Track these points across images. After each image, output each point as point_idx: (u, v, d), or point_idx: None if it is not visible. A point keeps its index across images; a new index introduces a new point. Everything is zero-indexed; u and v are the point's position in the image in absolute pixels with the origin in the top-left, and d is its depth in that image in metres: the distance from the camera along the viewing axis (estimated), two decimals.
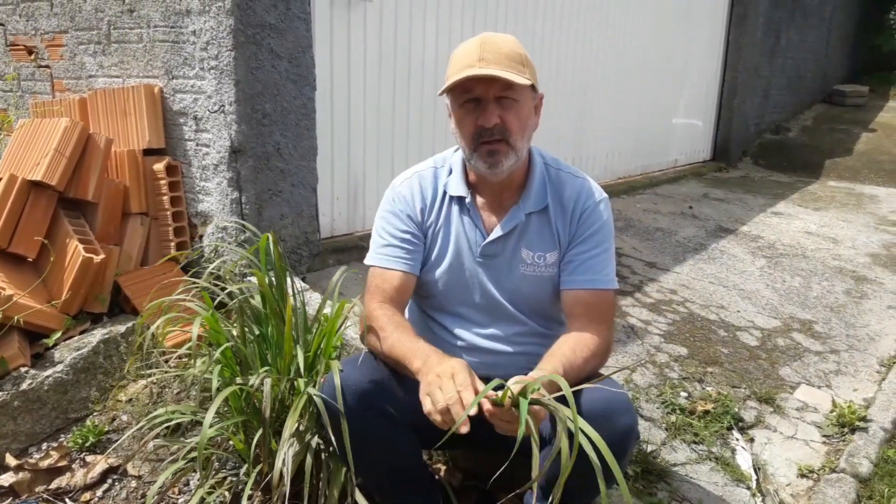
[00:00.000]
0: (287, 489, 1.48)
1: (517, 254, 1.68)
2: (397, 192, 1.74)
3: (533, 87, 1.59)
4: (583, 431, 1.18)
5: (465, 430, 1.25)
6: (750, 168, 7.19)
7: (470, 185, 1.71)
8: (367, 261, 1.72)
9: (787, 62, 8.11)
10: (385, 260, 1.69)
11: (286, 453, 1.52)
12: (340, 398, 1.47)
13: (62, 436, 2.20)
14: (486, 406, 1.32)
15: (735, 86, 6.80)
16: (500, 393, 1.31)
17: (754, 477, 2.20)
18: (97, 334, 2.39)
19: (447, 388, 1.31)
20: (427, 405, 1.33)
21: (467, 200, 1.70)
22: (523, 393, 1.26)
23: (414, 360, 1.46)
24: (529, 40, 4.26)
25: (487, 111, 1.55)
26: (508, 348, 1.71)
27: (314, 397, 1.55)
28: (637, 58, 5.47)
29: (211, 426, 1.57)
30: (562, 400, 1.25)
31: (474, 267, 1.69)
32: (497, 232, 1.68)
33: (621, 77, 5.34)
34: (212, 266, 1.96)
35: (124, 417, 2.25)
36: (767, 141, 7.91)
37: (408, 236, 1.70)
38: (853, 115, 8.98)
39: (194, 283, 1.90)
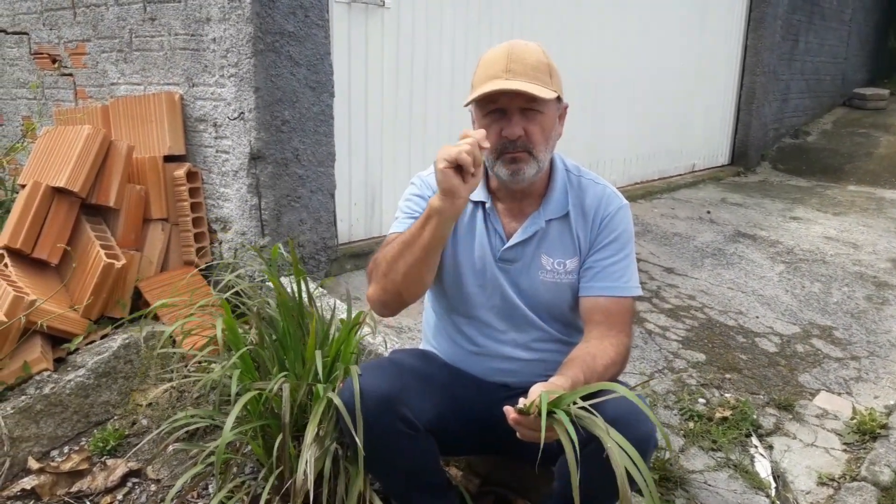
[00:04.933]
0: (311, 494, 1.49)
1: (536, 260, 1.68)
2: (425, 180, 1.72)
3: (558, 97, 1.59)
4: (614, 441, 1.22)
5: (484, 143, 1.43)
6: (769, 172, 7.12)
7: (491, 190, 1.71)
8: (389, 231, 1.70)
9: (805, 65, 8.04)
10: (407, 227, 1.62)
11: (307, 458, 1.53)
12: (359, 403, 1.48)
13: (83, 439, 2.22)
14: (511, 414, 1.33)
15: (753, 90, 6.75)
16: (525, 402, 1.32)
17: (773, 485, 2.18)
18: (118, 339, 2.42)
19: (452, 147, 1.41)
20: (444, 154, 1.41)
21: (487, 206, 1.70)
22: (556, 402, 1.27)
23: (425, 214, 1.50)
24: (546, 44, 4.25)
25: (512, 123, 1.55)
26: (527, 355, 1.71)
27: (335, 402, 1.55)
28: (654, 62, 5.45)
29: (230, 430, 1.58)
30: (584, 408, 1.28)
31: (495, 271, 1.69)
32: (516, 238, 1.68)
33: (639, 81, 5.32)
34: (231, 274, 1.98)
35: (144, 421, 2.27)
36: (786, 145, 7.84)
37: None
38: (873, 119, 8.87)
39: (217, 295, 1.92)
